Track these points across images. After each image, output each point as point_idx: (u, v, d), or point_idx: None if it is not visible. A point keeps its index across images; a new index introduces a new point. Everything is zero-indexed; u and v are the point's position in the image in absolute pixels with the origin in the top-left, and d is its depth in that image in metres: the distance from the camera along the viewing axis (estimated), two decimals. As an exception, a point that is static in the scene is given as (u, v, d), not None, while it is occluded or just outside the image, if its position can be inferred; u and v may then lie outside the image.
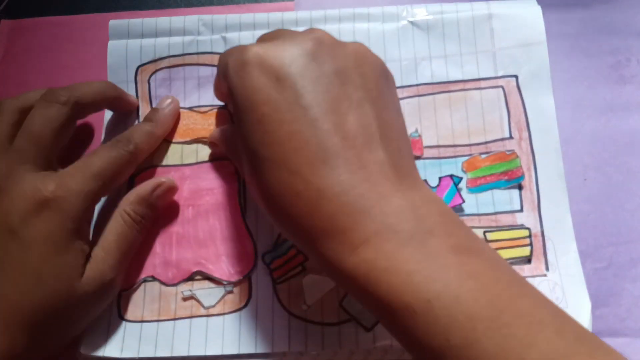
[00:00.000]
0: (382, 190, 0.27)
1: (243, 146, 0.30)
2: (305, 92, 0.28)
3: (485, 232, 0.40)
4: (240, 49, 0.30)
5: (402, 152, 0.29)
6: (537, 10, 0.44)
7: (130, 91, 0.45)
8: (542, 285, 0.39)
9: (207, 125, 0.44)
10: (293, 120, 0.28)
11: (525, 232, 0.40)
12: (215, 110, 0.44)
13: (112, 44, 0.46)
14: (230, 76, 0.30)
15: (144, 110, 0.45)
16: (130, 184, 0.43)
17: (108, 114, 0.45)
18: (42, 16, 0.49)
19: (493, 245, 0.40)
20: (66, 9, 0.49)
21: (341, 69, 0.29)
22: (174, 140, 0.44)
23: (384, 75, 0.32)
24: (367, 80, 0.30)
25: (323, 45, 0.30)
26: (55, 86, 0.37)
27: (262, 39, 0.34)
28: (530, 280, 0.36)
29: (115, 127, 0.44)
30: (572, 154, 0.43)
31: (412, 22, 0.45)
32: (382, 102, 0.30)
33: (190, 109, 0.44)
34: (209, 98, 0.45)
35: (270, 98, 0.28)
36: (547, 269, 0.39)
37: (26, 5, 0.50)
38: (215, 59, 0.45)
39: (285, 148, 0.27)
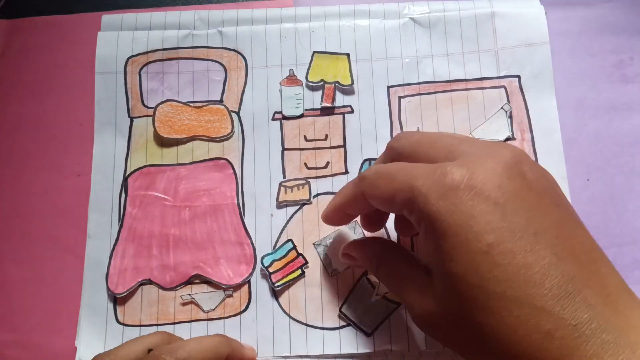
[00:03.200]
0: (629, 318, 0.24)
1: (448, 283, 0.26)
2: (531, 217, 0.25)
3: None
4: (431, 170, 0.27)
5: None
6: (540, 10, 0.43)
7: (119, 82, 0.44)
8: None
9: (204, 122, 0.43)
10: (527, 249, 0.24)
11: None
12: (211, 106, 0.43)
13: (102, 34, 0.45)
14: (430, 202, 0.26)
15: (133, 103, 0.44)
16: (125, 183, 0.42)
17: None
18: (39, 16, 0.48)
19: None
20: (63, 9, 0.48)
21: (546, 187, 0.27)
22: (168, 137, 0.43)
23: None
24: (562, 195, 0.28)
25: (523, 162, 0.27)
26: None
27: (443, 157, 0.29)
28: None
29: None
30: (574, 154, 0.42)
31: (413, 19, 0.44)
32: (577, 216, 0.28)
33: (186, 104, 0.43)
34: (204, 93, 0.44)
35: (494, 226, 0.25)
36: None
37: (23, 5, 0.49)
38: (210, 53, 0.44)
39: (522, 281, 0.24)
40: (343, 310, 0.39)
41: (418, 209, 0.27)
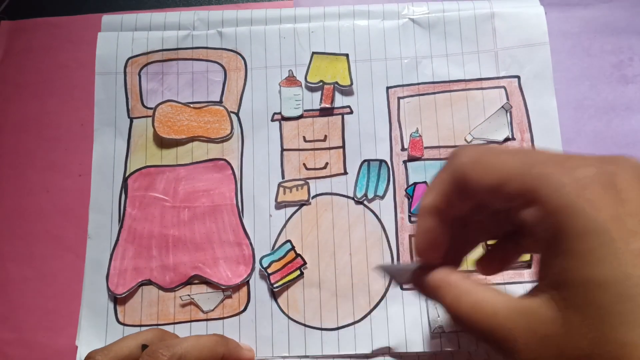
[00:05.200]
0: None
1: (588, 295, 0.21)
2: None
3: (486, 235, 0.40)
4: (561, 160, 0.23)
5: None
6: (540, 10, 0.43)
7: (119, 83, 0.44)
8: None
9: (203, 123, 0.43)
10: None
11: (526, 236, 0.40)
12: (210, 107, 0.44)
13: (102, 35, 0.45)
14: (566, 193, 0.22)
15: (132, 103, 0.44)
16: (125, 184, 0.42)
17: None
18: (41, 17, 0.48)
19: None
20: (65, 10, 0.49)
21: None
22: (168, 137, 0.43)
23: None
24: None
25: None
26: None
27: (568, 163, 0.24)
28: (530, 285, 0.36)
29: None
30: (573, 155, 0.42)
31: (413, 20, 0.44)
32: None
33: (185, 104, 0.44)
34: (203, 94, 0.44)
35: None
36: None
37: (25, 6, 0.49)
38: (210, 54, 0.44)
39: None
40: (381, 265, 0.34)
41: (543, 200, 0.22)
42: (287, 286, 0.40)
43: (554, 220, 0.22)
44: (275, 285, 0.39)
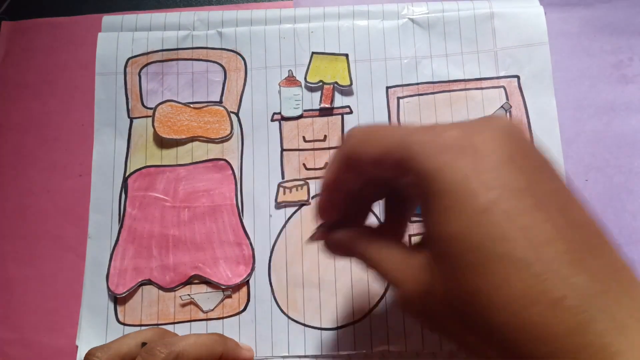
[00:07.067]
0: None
1: (443, 246, 0.24)
2: (532, 181, 0.23)
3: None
4: (427, 129, 0.25)
5: None
6: (540, 10, 0.43)
7: (119, 83, 0.44)
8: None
9: (203, 124, 0.43)
10: (530, 210, 0.22)
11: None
12: (210, 107, 0.44)
13: (102, 35, 0.45)
14: (427, 159, 0.24)
15: (132, 103, 0.44)
16: (125, 184, 0.42)
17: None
18: (42, 17, 0.48)
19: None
20: (65, 11, 0.49)
21: (544, 158, 0.25)
22: (168, 137, 0.43)
23: None
24: (557, 169, 0.26)
25: (522, 131, 0.26)
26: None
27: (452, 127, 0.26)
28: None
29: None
30: (573, 155, 0.42)
31: (412, 20, 0.44)
32: None
33: (185, 104, 0.44)
34: (203, 94, 0.44)
35: (494, 184, 0.23)
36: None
37: (26, 7, 0.49)
38: (210, 54, 0.44)
39: (528, 241, 0.22)
40: None
41: (413, 167, 0.25)
42: (286, 286, 0.40)
43: (422, 184, 0.24)
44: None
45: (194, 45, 0.45)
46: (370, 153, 0.27)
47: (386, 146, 0.26)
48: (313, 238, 0.32)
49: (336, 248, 0.32)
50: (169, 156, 0.43)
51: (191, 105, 0.44)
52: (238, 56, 0.44)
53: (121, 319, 0.40)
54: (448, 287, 0.24)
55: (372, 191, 0.32)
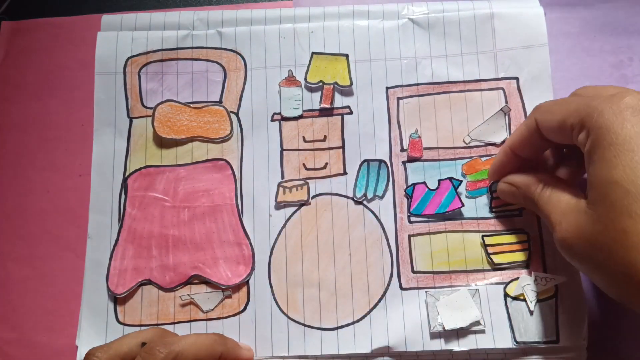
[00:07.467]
0: None
1: (605, 189, 0.28)
2: None
3: (483, 236, 0.40)
4: (609, 95, 0.30)
5: None
6: (540, 11, 0.43)
7: (118, 83, 0.44)
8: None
9: (203, 124, 0.43)
10: None
11: (524, 237, 0.40)
12: (210, 107, 0.44)
13: (101, 34, 0.45)
14: (605, 116, 0.29)
15: (132, 103, 0.44)
16: (125, 184, 0.42)
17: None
18: (42, 17, 0.48)
19: (491, 249, 0.40)
20: (65, 10, 0.49)
21: None
22: (167, 137, 0.43)
23: None
24: None
25: None
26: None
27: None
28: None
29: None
30: (572, 156, 0.43)
31: (412, 20, 0.44)
32: None
33: (185, 104, 0.44)
34: (203, 94, 0.44)
35: None
36: (546, 272, 0.39)
37: (26, 7, 0.49)
38: (210, 54, 0.44)
39: None
40: None
41: (591, 123, 0.29)
42: (287, 286, 0.40)
43: (594, 137, 0.29)
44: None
45: (194, 45, 0.45)
46: (557, 116, 0.32)
47: (574, 108, 0.31)
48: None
49: (509, 188, 0.38)
50: (168, 156, 0.43)
51: (191, 105, 0.44)
52: (238, 56, 0.44)
53: (121, 319, 0.40)
54: (599, 228, 0.28)
55: (540, 158, 0.39)
